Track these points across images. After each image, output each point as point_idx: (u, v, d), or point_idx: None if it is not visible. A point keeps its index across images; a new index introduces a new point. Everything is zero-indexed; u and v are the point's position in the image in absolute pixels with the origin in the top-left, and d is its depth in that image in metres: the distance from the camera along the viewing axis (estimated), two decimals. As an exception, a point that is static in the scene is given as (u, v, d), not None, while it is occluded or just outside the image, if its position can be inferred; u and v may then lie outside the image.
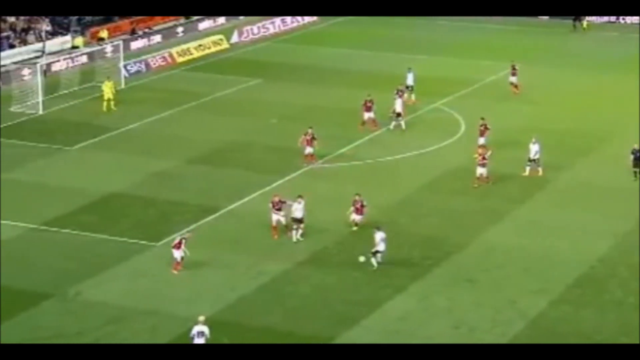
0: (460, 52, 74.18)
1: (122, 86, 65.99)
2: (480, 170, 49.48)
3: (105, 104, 60.90)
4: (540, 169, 51.13)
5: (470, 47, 75.48)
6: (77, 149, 55.22)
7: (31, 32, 72.44)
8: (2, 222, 45.62)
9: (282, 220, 43.82)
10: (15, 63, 68.12)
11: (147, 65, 70.58)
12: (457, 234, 45.14)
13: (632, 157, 50.43)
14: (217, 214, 46.89)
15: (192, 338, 34.89)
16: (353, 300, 39.51)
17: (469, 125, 58.84)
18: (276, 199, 43.95)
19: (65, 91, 64.21)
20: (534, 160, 51.12)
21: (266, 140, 56.26)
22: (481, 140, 53.60)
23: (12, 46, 70.45)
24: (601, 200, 48.72)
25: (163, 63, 71.48)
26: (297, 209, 43.76)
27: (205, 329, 34.95)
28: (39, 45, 71.50)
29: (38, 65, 63.84)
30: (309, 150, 52.37)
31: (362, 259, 41.23)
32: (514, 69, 64.49)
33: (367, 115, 57.64)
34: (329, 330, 37.23)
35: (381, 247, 41.47)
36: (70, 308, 38.63)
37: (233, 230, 45.34)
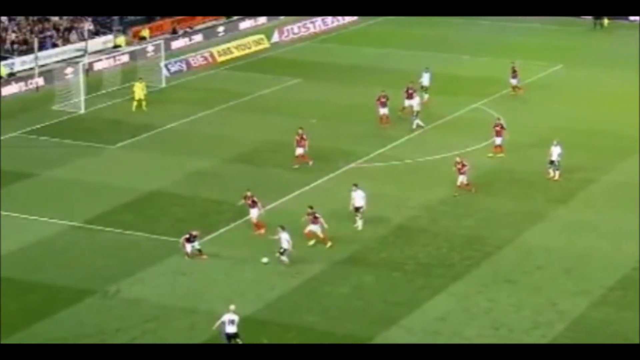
0: (500, 52, 73.77)
1: (163, 85, 66.33)
2: (461, 178, 48.39)
3: (135, 104, 61.22)
4: (557, 173, 50.49)
5: (511, 47, 75.02)
6: (118, 148, 55.58)
7: (74, 31, 72.99)
8: (45, 219, 46.03)
9: (317, 231, 43.50)
10: (58, 62, 68.68)
11: (188, 64, 70.90)
12: (497, 234, 44.95)
13: None
14: (256, 213, 46.94)
15: (223, 325, 35.17)
16: (392, 300, 39.46)
17: (508, 126, 58.50)
18: (309, 212, 43.69)
19: (107, 90, 64.63)
20: (554, 162, 50.49)
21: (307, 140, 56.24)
22: (497, 141, 53.28)
23: (55, 45, 71.04)
24: (643, 201, 48.32)
25: (204, 62, 71.76)
26: (357, 197, 44.23)
27: (235, 317, 35.17)
28: (81, 44, 72.02)
29: (80, 64, 64.31)
30: (299, 151, 52.16)
31: (265, 260, 41.40)
32: (513, 70, 63.66)
33: (381, 111, 57.73)
34: (367, 330, 37.20)
35: (285, 245, 41.45)
36: (111, 305, 38.90)
37: (272, 229, 45.35)
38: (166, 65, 68.60)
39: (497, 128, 53.72)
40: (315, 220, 43.17)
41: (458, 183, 48.43)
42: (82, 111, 61.14)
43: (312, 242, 43.18)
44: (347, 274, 41.44)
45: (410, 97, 58.92)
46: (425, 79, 62.61)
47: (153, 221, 45.96)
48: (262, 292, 39.88)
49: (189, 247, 42.00)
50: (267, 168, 52.50)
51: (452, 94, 63.75)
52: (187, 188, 49.68)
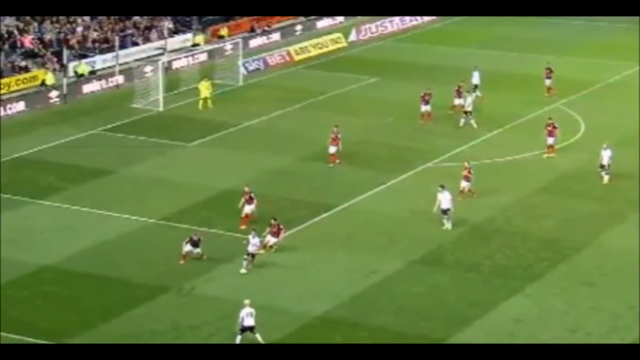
0: (584, 52, 72.82)
1: (240, 83, 66.67)
2: (464, 184, 47.09)
3: (201, 102, 61.62)
4: (607, 177, 49.34)
5: (592, 47, 73.98)
6: (195, 145, 56.00)
7: (154, 30, 73.74)
8: (123, 216, 46.54)
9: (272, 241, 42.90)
10: (137, 60, 69.42)
11: (266, 62, 71.17)
12: (575, 236, 44.34)
13: None
14: (331, 212, 46.98)
15: (242, 320, 35.39)
16: (467, 300, 39.14)
17: (589, 126, 57.83)
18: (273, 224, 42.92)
19: (185, 88, 65.17)
20: (605, 166, 49.33)
21: (382, 139, 56.13)
22: (550, 141, 52.41)
23: (135, 44, 71.81)
24: None
25: (281, 61, 71.97)
26: (444, 199, 44.06)
27: (252, 310, 35.46)
28: (161, 43, 72.71)
29: (160, 63, 64.93)
30: (332, 149, 51.91)
31: (243, 271, 40.40)
32: (550, 71, 62.52)
33: (424, 108, 57.49)
34: (441, 330, 36.95)
35: (252, 249, 40.79)
36: (186, 302, 39.16)
37: (347, 228, 45.36)
38: (244, 64, 68.95)
39: (549, 128, 52.77)
40: (276, 233, 42.55)
41: (460, 188, 46.98)
42: (161, 109, 61.73)
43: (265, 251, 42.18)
44: (422, 274, 41.21)
45: (459, 95, 58.49)
46: (475, 78, 62.09)
47: (229, 218, 46.16)
48: (336, 291, 39.82)
49: (187, 247, 41.47)
50: (342, 166, 52.42)
51: (532, 93, 63.04)
52: (262, 186, 49.79)
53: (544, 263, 41.94)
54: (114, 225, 45.57)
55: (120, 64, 67.65)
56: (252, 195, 45.29)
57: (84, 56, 68.65)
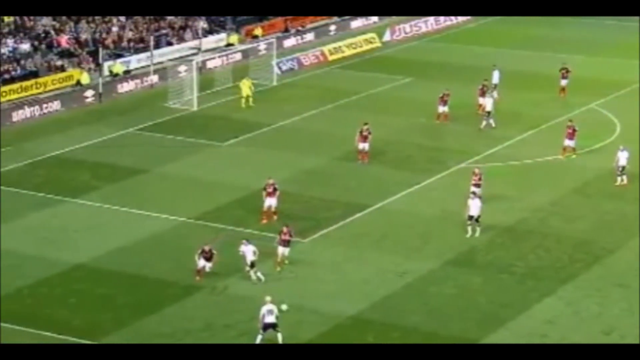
0: (618, 52, 72.35)
1: (274, 83, 66.79)
2: (473, 189, 45.56)
3: (243, 101, 61.83)
4: (624, 178, 48.99)
5: (630, 48, 73.45)
6: (229, 145, 56.16)
7: (188, 29, 74.02)
8: (156, 215, 46.75)
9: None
10: (172, 60, 69.72)
11: (300, 62, 71.25)
12: (609, 237, 44.06)
13: None
14: (364, 212, 46.96)
15: (263, 317, 35.42)
16: (499, 302, 39.00)
17: (624, 127, 57.45)
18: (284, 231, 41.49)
19: (219, 88, 65.37)
20: (621, 168, 48.88)
21: (415, 139, 56.04)
22: (569, 143, 52.05)
23: (169, 44, 72.13)
24: None
25: (315, 61, 72.03)
26: (473, 206, 43.54)
27: (273, 307, 35.43)
28: (195, 42, 72.98)
29: (194, 62, 65.18)
30: (363, 146, 51.87)
31: (284, 307, 36.54)
32: (566, 71, 62.01)
33: (441, 109, 57.44)
34: (474, 331, 36.84)
35: (251, 257, 40.10)
36: (219, 301, 39.27)
37: (380, 228, 45.32)
38: (278, 64, 69.07)
39: (570, 130, 52.27)
40: (286, 242, 41.24)
41: (472, 191, 45.32)
42: (195, 108, 61.95)
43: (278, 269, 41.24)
44: (455, 274, 41.11)
45: (483, 95, 58.27)
46: (495, 77, 61.85)
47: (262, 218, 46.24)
48: (368, 291, 39.79)
49: (201, 263, 40.12)
50: (375, 166, 52.41)
51: (555, 93, 62.70)
52: (296, 185, 49.88)
53: (578, 264, 41.72)
54: (147, 224, 45.79)
55: (155, 64, 67.96)
56: (276, 187, 45.25)
57: (119, 56, 69.03)
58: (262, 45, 72.02)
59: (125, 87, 65.82)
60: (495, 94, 60.20)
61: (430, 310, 38.42)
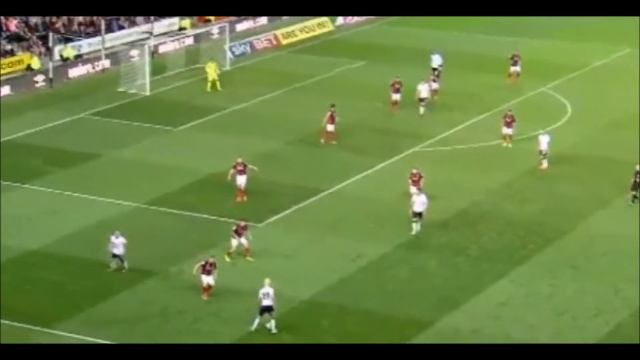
0: (569, 35, 72.83)
1: (227, 67, 66.55)
2: (413, 190, 44.20)
3: (209, 84, 61.58)
4: (545, 162, 49.36)
5: (580, 31, 74.00)
6: (182, 130, 55.90)
7: (140, 13, 73.42)
8: (109, 200, 46.47)
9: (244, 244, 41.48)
10: (124, 44, 69.19)
11: (252, 46, 71.03)
12: (561, 219, 44.47)
13: (632, 179, 45.49)
14: (319, 196, 47.01)
15: (260, 300, 35.41)
16: (454, 284, 39.25)
17: (575, 110, 57.97)
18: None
19: (172, 72, 65.02)
20: (542, 152, 49.11)
21: (370, 123, 56.12)
22: (507, 131, 51.83)
23: (121, 27, 71.53)
24: None
25: (268, 45, 71.84)
26: (418, 202, 42.66)
27: (269, 290, 35.41)
28: (147, 26, 72.42)
29: (146, 47, 64.73)
30: (329, 127, 52.17)
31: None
32: (515, 57, 61.94)
33: (394, 97, 57.28)
34: (429, 314, 37.06)
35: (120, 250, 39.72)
36: (173, 286, 39.15)
37: (335, 212, 45.40)
38: (231, 48, 68.80)
39: (507, 119, 52.15)
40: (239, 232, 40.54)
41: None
42: (147, 93, 61.57)
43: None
44: (409, 258, 41.30)
45: (435, 80, 58.12)
46: (435, 61, 61.86)
47: (215, 203, 46.16)
48: (324, 275, 39.88)
49: (204, 279, 37.73)
50: (330, 150, 52.44)
51: (520, 78, 63.05)
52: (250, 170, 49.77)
53: (530, 247, 42.08)
54: (100, 210, 45.50)
55: (107, 48, 67.39)
56: (246, 164, 45.38)
57: (70, 40, 68.35)
58: (214, 29, 71.66)
59: (77, 71, 65.22)
60: (432, 78, 60.01)
61: (386, 294, 38.58)
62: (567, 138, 53.57)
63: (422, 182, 44.53)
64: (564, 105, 59.03)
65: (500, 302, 37.95)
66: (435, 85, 59.39)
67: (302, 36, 73.89)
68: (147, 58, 63.13)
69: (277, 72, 65.67)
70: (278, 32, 73.19)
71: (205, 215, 44.89)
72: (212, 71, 61.72)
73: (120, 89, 61.85)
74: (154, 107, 59.54)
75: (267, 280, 35.84)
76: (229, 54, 67.98)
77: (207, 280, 37.89)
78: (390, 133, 54.59)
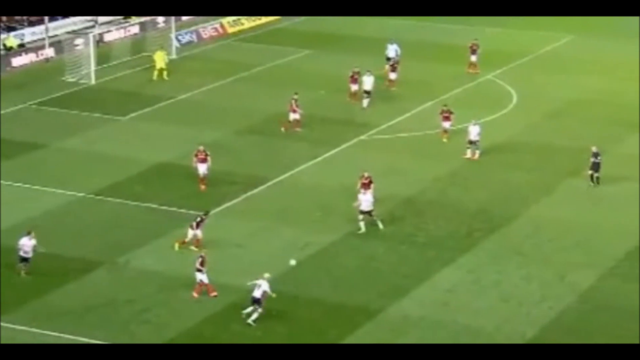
0: (514, 23, 73.33)
1: (174, 56, 66.23)
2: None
3: (156, 73, 61.27)
4: (477, 153, 49.48)
5: (524, 19, 74.42)
6: (128, 119, 55.60)
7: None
8: (54, 190, 46.13)
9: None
10: (68, 33, 68.57)
11: (199, 35, 70.76)
12: (507, 206, 44.91)
13: (591, 160, 46.41)
14: (266, 185, 47.04)
15: (253, 289, 35.61)
16: (402, 272, 39.51)
17: (520, 98, 58.51)
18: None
19: (117, 61, 64.60)
20: (473, 142, 49.26)
21: (316, 112, 56.16)
22: (445, 125, 51.47)
23: (65, 16, 70.84)
24: (654, 173, 48.27)
25: (214, 33, 71.62)
26: (364, 201, 41.78)
27: (262, 282, 35.52)
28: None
29: (91, 35, 64.22)
30: (293, 116, 52.24)
31: (293, 262, 37.98)
32: (474, 46, 61.98)
33: (353, 88, 56.79)
34: (378, 301, 37.29)
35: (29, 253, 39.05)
36: (121, 276, 39.02)
37: (282, 201, 45.47)
38: (177, 37, 68.50)
39: (445, 114, 51.56)
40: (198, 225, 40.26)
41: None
42: (93, 82, 61.14)
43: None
44: (358, 246, 41.48)
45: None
46: (391, 51, 62.05)
47: (163, 192, 46.03)
48: (272, 264, 39.84)
49: (197, 275, 37.37)
50: (278, 139, 52.47)
51: (463, 64, 63.47)
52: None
53: (477, 234, 42.46)
54: (46, 200, 45.17)
55: (50, 37, 66.77)
56: (207, 152, 45.60)
57: (13, 29, 67.62)
58: (160, 18, 71.24)
59: (20, 60, 64.55)
60: (387, 67, 59.97)
61: (335, 282, 38.74)
62: (513, 126, 54.08)
63: (372, 186, 43.09)
64: (510, 93, 59.55)
65: (448, 289, 38.28)
66: (393, 76, 59.41)
67: (248, 24, 73.73)
68: (91, 47, 62.65)
69: (223, 61, 65.51)
70: (224, 21, 72.95)
71: (153, 205, 44.74)
72: (160, 60, 61.39)
73: (65, 79, 61.32)
74: (100, 96, 59.13)
75: (266, 275, 35.72)
76: (175, 43, 67.67)
77: (199, 277, 37.28)
78: (336, 121, 54.70)
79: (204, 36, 70.92)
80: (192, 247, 40.44)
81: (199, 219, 40.74)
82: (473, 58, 62.44)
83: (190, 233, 40.67)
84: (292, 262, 37.18)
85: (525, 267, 39.89)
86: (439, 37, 70.41)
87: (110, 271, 39.34)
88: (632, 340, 34.48)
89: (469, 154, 49.62)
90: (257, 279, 35.81)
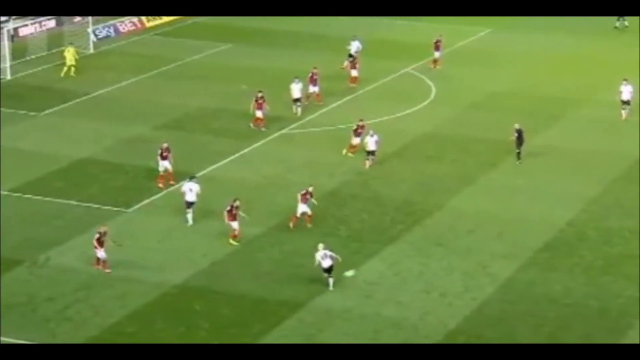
0: (430, 16, 73.80)
1: (91, 51, 65.44)
2: (302, 208, 41.99)
3: (65, 69, 60.41)
4: (373, 159, 47.89)
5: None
6: (46, 115, 54.82)
7: (-2, -4, 71.47)
8: (-29, 188, 45.33)
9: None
10: (-18, 27, 67.31)
11: (117, 29, 70.03)
12: (428, 199, 45.23)
13: (515, 135, 47.90)
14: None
15: (319, 263, 37.22)
16: (325, 265, 39.48)
17: (439, 91, 58.95)
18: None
19: (33, 56, 63.64)
20: (371, 152, 47.64)
21: (237, 106, 55.95)
22: (355, 141, 49.20)
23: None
24: (572, 164, 48.99)
25: (132, 28, 70.92)
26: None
27: (326, 252, 37.30)
28: (6, 9, 70.58)
29: (5, 30, 63.16)
30: (258, 114, 52.11)
31: (350, 273, 37.96)
32: (438, 42, 61.85)
33: (312, 89, 55.84)
34: (301, 295, 37.27)
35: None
36: (41, 274, 38.46)
37: (204, 196, 45.14)
38: (94, 31, 67.68)
39: (359, 130, 49.24)
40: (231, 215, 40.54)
41: (298, 213, 41.93)
42: (8, 77, 60.18)
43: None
44: (280, 240, 41.42)
45: (353, 67, 57.93)
46: (353, 47, 62.19)
47: (83, 189, 45.49)
48: (194, 259, 39.71)
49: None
50: (198, 135, 52.18)
51: (383, 58, 63.77)
52: (117, 155, 49.19)
53: (399, 226, 42.68)
54: (-38, 198, 44.34)
55: (-36, 32, 65.51)
56: (170, 149, 45.38)
57: None
58: (76, 12, 70.28)
59: None
60: (346, 63, 59.52)
61: (258, 276, 38.63)
62: (432, 119, 54.47)
63: (312, 198, 42.37)
64: (429, 86, 59.96)
65: (371, 282, 38.41)
66: (354, 73, 59.12)
67: (166, 19, 73.14)
68: (6, 42, 61.62)
69: (142, 56, 64.93)
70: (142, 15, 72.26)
71: (73, 202, 44.16)
72: (70, 56, 60.57)
73: (-20, 74, 60.28)
74: (15, 91, 58.21)
75: (321, 245, 37.18)
76: (92, 37, 66.88)
77: (102, 254, 38.16)
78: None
79: (122, 30, 70.21)
80: (111, 242, 39.94)
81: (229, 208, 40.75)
82: (437, 54, 62.29)
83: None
84: (350, 272, 37.85)
85: (447, 258, 40.22)
86: (343, 30, 70.35)
87: (30, 269, 38.75)
88: (551, 327, 35.08)
89: (368, 163, 47.72)
90: (316, 251, 37.02)
